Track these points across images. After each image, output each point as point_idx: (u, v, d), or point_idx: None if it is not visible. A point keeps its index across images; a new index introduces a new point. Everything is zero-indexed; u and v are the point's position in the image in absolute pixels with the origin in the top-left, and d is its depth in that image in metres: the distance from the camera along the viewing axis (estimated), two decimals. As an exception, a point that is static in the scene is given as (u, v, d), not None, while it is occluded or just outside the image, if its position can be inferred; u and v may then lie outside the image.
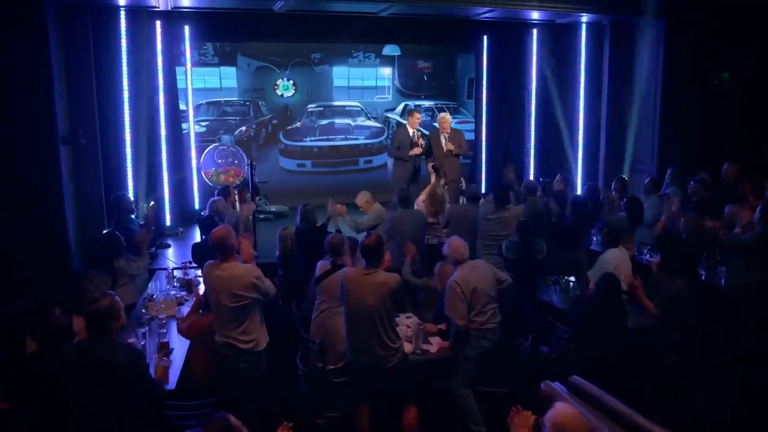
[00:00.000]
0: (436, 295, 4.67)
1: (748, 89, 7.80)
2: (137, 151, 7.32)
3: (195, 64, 8.53)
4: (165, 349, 4.04)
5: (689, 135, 7.77)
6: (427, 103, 10.21)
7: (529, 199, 6.40)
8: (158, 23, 7.60)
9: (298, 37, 8.68)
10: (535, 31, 8.88)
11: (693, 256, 5.26)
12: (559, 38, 8.70)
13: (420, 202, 6.74)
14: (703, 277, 5.37)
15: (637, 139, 8.15)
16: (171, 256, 6.66)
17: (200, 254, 5.29)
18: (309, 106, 9.77)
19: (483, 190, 8.29)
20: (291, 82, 9.57)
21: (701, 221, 5.40)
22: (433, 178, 7.03)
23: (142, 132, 7.39)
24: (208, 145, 8.63)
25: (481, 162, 9.47)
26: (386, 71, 10.04)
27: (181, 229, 7.79)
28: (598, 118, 8.66)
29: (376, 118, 10.12)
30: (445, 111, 8.59)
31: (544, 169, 8.98)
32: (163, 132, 7.75)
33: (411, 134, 7.35)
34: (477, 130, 9.55)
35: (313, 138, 9.77)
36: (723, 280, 5.25)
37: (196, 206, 8.33)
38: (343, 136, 9.90)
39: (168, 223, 7.81)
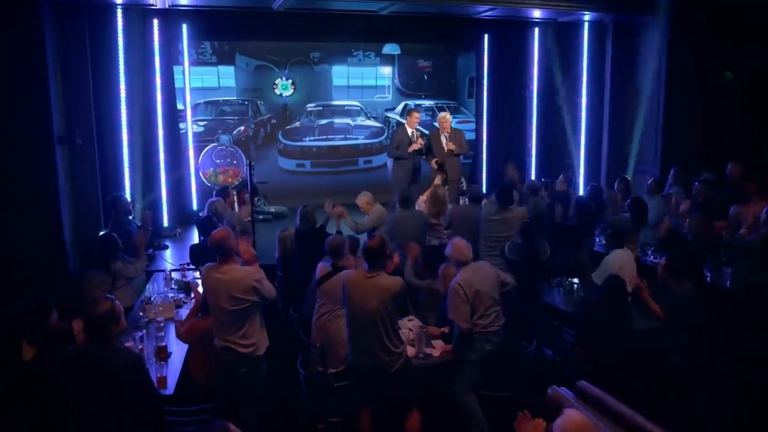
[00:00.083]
0: (439, 297, 4.61)
1: (751, 88, 7.76)
2: (134, 151, 7.28)
3: (193, 63, 8.49)
4: (163, 353, 3.98)
5: (692, 135, 7.74)
6: (427, 103, 10.16)
7: (532, 199, 6.36)
8: (155, 22, 7.56)
9: (297, 36, 8.64)
10: (536, 29, 8.84)
11: (698, 257, 5.21)
12: (561, 37, 8.66)
13: (421, 202, 6.69)
14: (708, 279, 5.32)
15: (640, 139, 8.11)
16: (169, 258, 6.60)
17: (198, 256, 5.26)
18: (308, 105, 9.71)
19: (484, 191, 8.23)
20: (290, 81, 9.51)
21: (706, 222, 5.35)
22: (437, 179, 6.98)
23: (140, 132, 7.34)
24: (206, 145, 8.58)
25: (482, 162, 9.43)
26: (386, 70, 9.98)
27: (179, 230, 7.73)
28: (601, 117, 8.64)
29: (375, 118, 10.07)
30: (445, 110, 8.53)
31: (546, 169, 8.95)
32: (160, 132, 7.70)
33: (410, 134, 7.29)
34: (478, 130, 9.51)
35: (312, 138, 9.71)
36: (728, 282, 5.20)
37: (194, 207, 8.28)
38: (343, 136, 9.84)
39: (165, 224, 7.76)
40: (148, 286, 5.41)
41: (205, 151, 8.42)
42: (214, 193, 6.59)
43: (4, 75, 5.72)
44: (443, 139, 7.36)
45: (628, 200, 5.89)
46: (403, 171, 7.28)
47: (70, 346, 3.32)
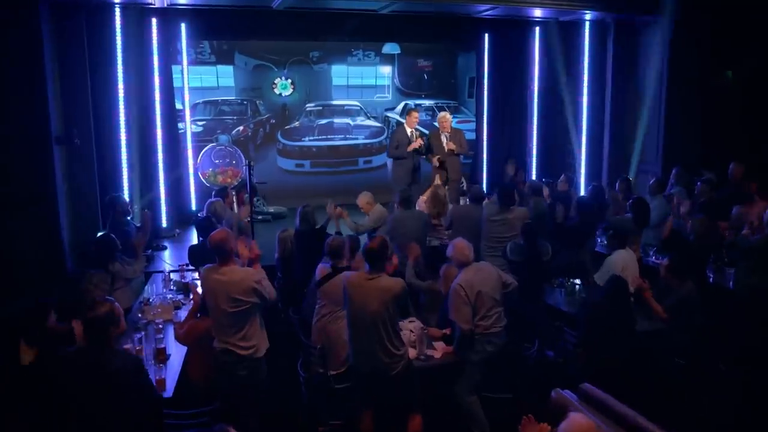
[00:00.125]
0: (440, 298, 4.59)
1: (754, 88, 7.73)
2: (133, 151, 7.22)
3: (191, 62, 8.45)
4: (162, 355, 3.94)
5: (694, 135, 7.72)
6: (427, 102, 10.14)
7: (533, 200, 6.33)
8: (154, 21, 7.50)
9: (296, 35, 8.60)
10: (537, 29, 8.81)
11: (701, 258, 5.19)
12: (562, 36, 8.62)
13: (421, 202, 6.65)
14: (711, 279, 5.29)
15: (642, 139, 8.08)
16: (167, 259, 6.57)
17: (197, 257, 5.22)
18: (307, 105, 9.67)
19: (485, 191, 8.19)
20: (289, 80, 9.48)
21: (709, 222, 5.33)
22: (437, 179, 6.94)
23: (138, 132, 7.30)
24: (205, 145, 8.54)
25: (483, 162, 9.39)
26: (386, 70, 9.96)
27: (177, 230, 7.68)
28: (602, 117, 8.61)
29: (375, 118, 10.04)
30: (445, 110, 8.50)
31: (547, 169, 8.91)
32: (159, 132, 7.65)
33: (409, 134, 7.25)
34: (478, 130, 9.47)
35: (311, 138, 9.67)
36: (731, 282, 5.17)
37: (193, 207, 8.24)
38: (343, 136, 9.80)
39: (164, 224, 7.71)
40: (146, 288, 5.37)
41: (204, 151, 8.38)
42: (213, 193, 6.55)
43: (1, 75, 5.69)
44: (444, 139, 7.32)
45: (630, 200, 5.86)
46: (402, 171, 7.24)
47: (69, 347, 3.28)
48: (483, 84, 9.21)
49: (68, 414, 3.04)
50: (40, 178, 5.95)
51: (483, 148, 9.36)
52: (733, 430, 4.09)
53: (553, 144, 9.09)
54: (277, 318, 4.92)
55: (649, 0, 7.48)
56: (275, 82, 9.43)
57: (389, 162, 7.70)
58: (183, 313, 4.52)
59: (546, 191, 6.70)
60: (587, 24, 8.45)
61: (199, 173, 8.33)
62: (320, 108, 9.76)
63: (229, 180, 8.23)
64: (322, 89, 9.69)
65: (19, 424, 3.12)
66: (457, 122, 9.26)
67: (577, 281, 5.21)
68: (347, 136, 9.81)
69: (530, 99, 9.07)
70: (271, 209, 8.58)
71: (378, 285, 3.68)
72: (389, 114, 10.02)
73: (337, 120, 9.79)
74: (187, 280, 5.31)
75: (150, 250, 6.48)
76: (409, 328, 4.37)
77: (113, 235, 4.99)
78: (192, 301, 4.37)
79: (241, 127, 9.30)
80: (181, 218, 7.97)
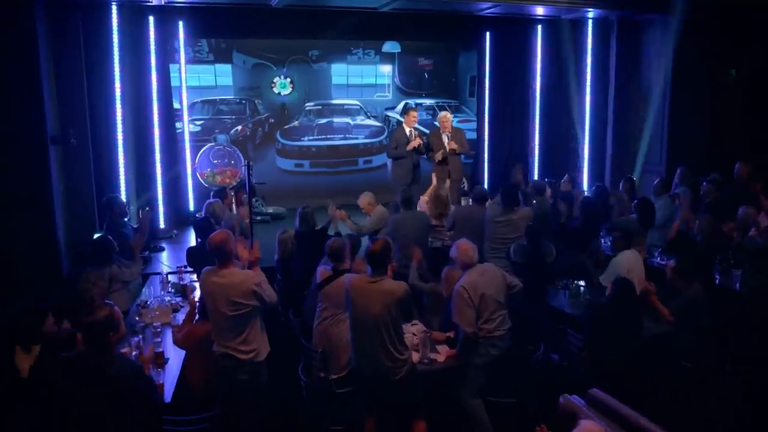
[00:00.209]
0: (443, 301, 4.53)
1: (759, 87, 7.68)
2: (130, 151, 7.17)
3: (189, 61, 8.38)
4: (160, 359, 3.88)
5: (699, 134, 7.67)
6: (428, 102, 10.09)
7: (536, 199, 6.27)
8: (151, 19, 7.44)
9: (295, 34, 8.53)
10: (539, 27, 8.77)
11: (708, 259, 5.13)
12: (565, 35, 8.57)
13: (423, 203, 6.60)
14: (717, 281, 5.23)
15: (646, 139, 8.02)
16: (165, 260, 6.51)
17: (196, 258, 5.16)
18: (307, 104, 9.61)
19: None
20: (288, 79, 9.41)
21: (716, 223, 5.27)
22: (434, 179, 6.88)
23: (135, 131, 7.24)
24: (203, 145, 8.48)
25: (484, 162, 9.34)
26: (386, 69, 9.90)
27: (175, 231, 7.63)
28: (605, 116, 8.58)
29: (375, 117, 9.98)
30: (446, 110, 8.45)
31: (549, 169, 8.87)
32: (156, 131, 7.59)
33: (408, 133, 7.18)
34: (479, 129, 9.41)
35: (311, 137, 9.61)
36: (738, 284, 5.11)
37: (191, 208, 8.18)
38: (342, 136, 9.74)
39: (162, 225, 7.65)
40: (144, 290, 5.30)
41: (202, 151, 8.32)
42: (212, 194, 6.48)
43: (-4, 74, 5.64)
44: (445, 139, 7.26)
45: (635, 201, 5.80)
46: (401, 171, 7.18)
47: (68, 352, 3.21)
48: (484, 83, 9.16)
49: (67, 419, 2.99)
50: (35, 178, 5.89)
51: (484, 147, 9.30)
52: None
53: (555, 144, 9.04)
54: (277, 321, 4.86)
55: (652, -2, 7.46)
56: (274, 81, 9.36)
57: (389, 162, 7.65)
58: (181, 316, 4.46)
59: (548, 191, 6.65)
60: (590, 22, 8.42)
61: (198, 173, 8.26)
62: (320, 107, 9.70)
63: (227, 180, 8.17)
64: (322, 88, 9.63)
65: (20, 424, 3.09)
66: (458, 121, 9.22)
67: (582, 283, 5.16)
68: (347, 135, 9.75)
69: (532, 98, 9.03)
70: (270, 210, 8.51)
71: (380, 288, 3.62)
72: (389, 113, 9.97)
73: (336, 119, 9.73)
74: (185, 282, 5.24)
75: (147, 252, 6.44)
76: (412, 331, 4.32)
77: (110, 237, 4.92)
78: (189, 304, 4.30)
79: (239, 127, 9.23)
80: (179, 219, 7.92)
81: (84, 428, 2.98)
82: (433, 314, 4.73)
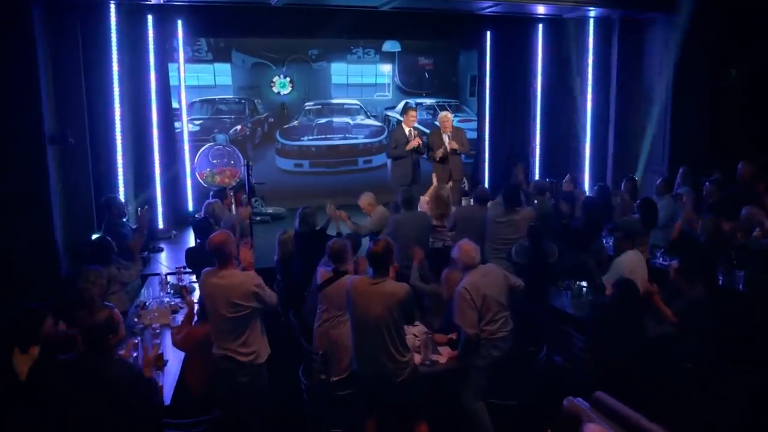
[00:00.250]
0: (445, 302, 4.47)
1: (762, 86, 7.63)
2: (128, 151, 7.13)
3: (188, 60, 8.33)
4: (159, 361, 3.83)
5: (701, 134, 7.64)
6: (428, 101, 10.06)
7: (538, 199, 6.23)
8: (150, 18, 7.40)
9: (295, 33, 8.50)
10: (540, 26, 8.74)
11: (711, 259, 5.09)
12: (566, 34, 8.54)
13: (423, 203, 6.56)
14: (720, 282, 5.19)
15: (648, 138, 7.99)
16: (164, 261, 6.47)
17: (195, 259, 5.12)
18: (306, 104, 9.57)
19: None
20: (288, 79, 9.38)
21: (719, 223, 5.23)
22: (434, 179, 6.84)
23: (134, 131, 7.19)
24: (202, 145, 8.45)
25: (484, 162, 9.31)
26: (386, 68, 9.87)
27: (174, 232, 7.59)
28: (607, 116, 8.55)
29: (375, 117, 9.95)
30: (446, 109, 8.41)
31: (550, 169, 8.84)
32: (155, 131, 7.54)
33: (407, 133, 7.13)
34: (480, 129, 9.38)
35: (310, 137, 9.58)
36: (741, 285, 5.07)
37: (190, 208, 8.15)
38: (342, 135, 9.71)
39: (161, 225, 7.60)
40: (142, 291, 5.26)
41: (201, 150, 8.28)
42: (211, 194, 6.44)
43: (-7, 74, 5.60)
44: (446, 138, 7.22)
45: (638, 201, 5.77)
46: (401, 171, 7.14)
47: (67, 354, 3.17)
48: (485, 82, 9.13)
49: (67, 422, 2.96)
50: (33, 178, 5.85)
51: (485, 147, 9.27)
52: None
53: (556, 143, 9.01)
54: (277, 322, 4.82)
55: (654, -3, 7.43)
56: (274, 80, 9.33)
57: (389, 162, 7.63)
58: (181, 318, 4.41)
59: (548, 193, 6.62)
60: (592, 21, 8.39)
61: (197, 173, 8.23)
62: (319, 107, 9.66)
63: (227, 180, 8.14)
64: (322, 88, 9.59)
65: (19, 425, 3.06)
66: (459, 121, 9.21)
67: (584, 284, 5.12)
68: (347, 135, 9.72)
69: (533, 97, 9.00)
70: (270, 210, 8.48)
71: (382, 290, 3.58)
72: (389, 113, 9.94)
73: (336, 119, 9.70)
74: (184, 283, 5.19)
75: (146, 252, 6.39)
76: (413, 332, 4.27)
77: (109, 238, 4.90)
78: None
79: (238, 127, 9.20)
80: (178, 219, 7.88)
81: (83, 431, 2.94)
82: (434, 315, 4.69)
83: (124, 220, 5.98)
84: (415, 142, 7.01)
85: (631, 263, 4.79)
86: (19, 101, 5.73)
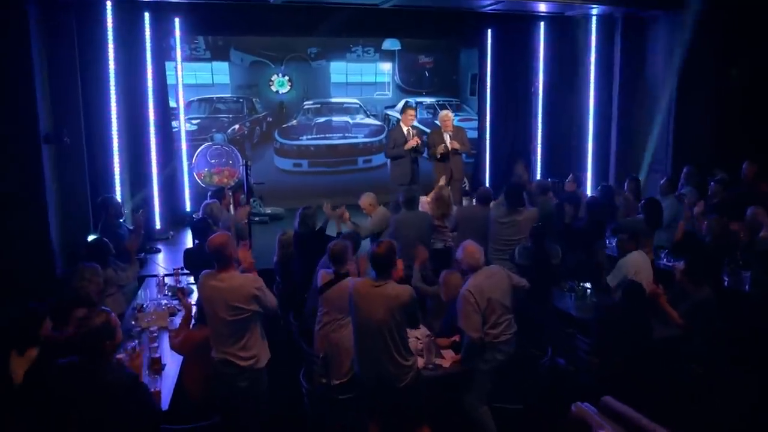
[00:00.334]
0: (446, 304, 4.41)
1: (766, 86, 7.58)
2: (125, 150, 7.05)
3: (186, 58, 8.27)
4: (157, 365, 3.78)
5: (705, 133, 7.59)
6: (428, 100, 10.02)
7: (540, 199, 6.18)
8: (147, 15, 7.31)
9: (294, 31, 8.44)
10: (542, 24, 8.68)
11: (718, 260, 5.04)
12: (568, 32, 8.50)
13: (424, 203, 6.49)
14: (726, 283, 5.14)
15: (651, 138, 7.94)
16: (161, 262, 6.39)
17: (194, 261, 5.05)
18: (305, 103, 9.52)
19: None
20: (286, 77, 9.32)
21: (725, 223, 5.18)
22: (442, 180, 6.79)
23: (130, 130, 7.12)
24: (200, 144, 8.38)
25: (485, 161, 9.25)
26: (386, 66, 9.82)
27: (171, 232, 7.50)
28: (609, 114, 8.51)
29: (375, 116, 9.90)
30: (447, 108, 8.35)
31: (552, 169, 8.78)
32: (152, 130, 7.46)
33: (406, 132, 7.06)
34: (480, 128, 9.32)
35: (309, 136, 9.52)
36: (747, 286, 5.02)
37: (188, 208, 8.08)
38: (341, 135, 9.66)
39: (158, 226, 7.52)
40: (139, 293, 5.20)
41: (199, 150, 8.21)
42: (209, 194, 6.36)
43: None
44: (447, 137, 7.16)
45: (642, 201, 5.71)
46: (399, 171, 7.07)
47: (64, 359, 3.10)
48: (486, 81, 9.06)
49: (63, 429, 2.89)
50: (28, 178, 5.78)
51: (486, 146, 9.21)
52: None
53: (558, 142, 8.96)
54: (276, 324, 4.75)
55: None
56: (272, 79, 9.27)
57: (389, 161, 7.58)
58: (178, 320, 4.33)
59: (551, 193, 6.57)
60: (594, 19, 8.34)
61: (194, 173, 8.15)
62: (318, 106, 9.61)
63: (225, 180, 8.06)
64: (321, 86, 9.54)
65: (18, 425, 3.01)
66: (459, 120, 9.16)
67: (588, 285, 5.07)
68: (346, 134, 9.67)
69: (535, 96, 8.95)
70: (268, 210, 8.42)
71: (384, 292, 3.53)
72: (389, 112, 9.89)
73: (335, 118, 9.64)
74: (182, 284, 5.13)
75: (143, 253, 6.31)
76: (416, 335, 4.21)
77: (106, 239, 4.84)
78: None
79: (237, 126, 9.15)
80: (176, 220, 7.81)
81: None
82: (436, 318, 4.65)
83: (121, 220, 5.92)
84: (413, 142, 6.94)
85: (636, 264, 4.75)
86: (14, 100, 5.66)
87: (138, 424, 2.94)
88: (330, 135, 9.60)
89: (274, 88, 9.31)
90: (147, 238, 6.75)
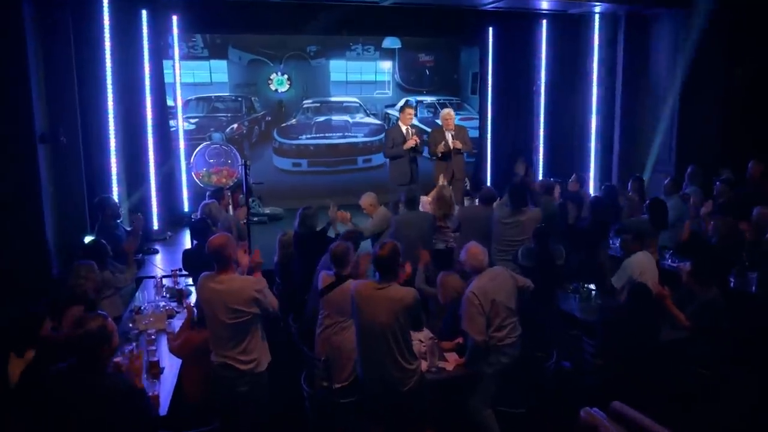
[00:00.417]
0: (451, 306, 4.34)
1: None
2: (122, 150, 7.00)
3: (183, 57, 8.22)
4: (155, 369, 3.70)
5: (710, 132, 7.55)
6: (429, 99, 9.96)
7: (544, 198, 6.12)
8: (144, 13, 7.27)
9: (293, 29, 8.36)
10: (544, 22, 8.64)
11: (725, 261, 4.99)
12: (571, 30, 8.47)
13: (425, 203, 6.42)
14: (732, 284, 5.09)
15: (655, 137, 7.90)
16: (159, 263, 6.32)
17: (193, 262, 4.98)
18: (305, 101, 9.46)
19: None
20: (285, 76, 9.25)
21: (732, 223, 5.13)
22: (441, 179, 6.73)
23: (127, 129, 7.08)
24: (198, 143, 8.33)
25: (486, 161, 9.20)
26: (386, 65, 9.76)
27: (169, 233, 7.45)
28: (612, 114, 8.48)
29: (375, 115, 9.84)
30: (448, 107, 8.28)
31: (554, 169, 8.76)
32: (149, 129, 7.41)
33: (404, 131, 7.00)
34: (482, 127, 9.28)
35: (309, 136, 9.46)
36: (754, 287, 4.97)
37: (186, 209, 8.03)
38: (341, 134, 9.60)
39: (155, 226, 7.46)
40: (137, 295, 5.13)
41: (198, 150, 8.16)
42: (208, 194, 6.30)
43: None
44: (449, 137, 7.10)
45: (647, 201, 5.66)
46: (398, 170, 7.02)
47: (59, 364, 3.03)
48: (487, 80, 9.01)
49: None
50: (23, 177, 5.73)
51: (487, 146, 9.16)
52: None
53: (560, 142, 8.93)
54: (277, 327, 4.68)
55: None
56: (271, 77, 9.21)
57: (388, 161, 7.53)
58: (177, 322, 4.29)
59: (557, 191, 6.51)
60: (597, 17, 8.31)
61: (193, 173, 8.09)
62: (318, 105, 9.55)
63: (224, 180, 8.00)
64: (320, 85, 9.48)
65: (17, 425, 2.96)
66: (460, 119, 9.08)
67: (592, 286, 5.01)
68: (346, 133, 9.61)
69: (536, 95, 8.91)
70: (267, 210, 8.36)
71: (388, 295, 3.47)
72: (389, 111, 9.82)
73: (335, 117, 9.58)
74: (180, 286, 5.07)
75: (141, 254, 6.24)
76: (419, 337, 4.14)
77: (103, 241, 4.78)
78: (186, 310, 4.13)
79: (235, 125, 9.09)
80: (173, 220, 7.77)
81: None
82: (439, 320, 4.57)
83: (118, 221, 5.86)
84: (412, 141, 6.88)
85: (641, 265, 4.69)
86: (10, 99, 5.61)
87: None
88: (329, 134, 9.54)
89: (273, 87, 9.25)
90: (144, 239, 6.68)
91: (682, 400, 3.89)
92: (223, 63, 8.98)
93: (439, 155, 7.06)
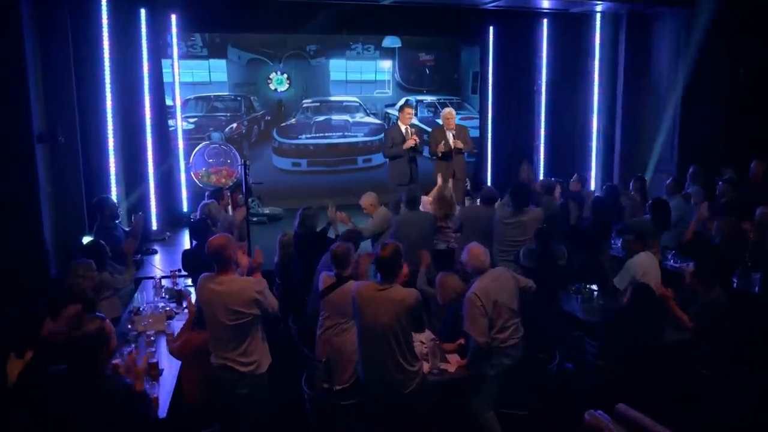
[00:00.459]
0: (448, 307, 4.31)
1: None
2: (120, 150, 6.97)
3: (182, 56, 8.21)
4: (154, 371, 3.66)
5: (712, 132, 7.53)
6: (429, 98, 9.94)
7: (545, 198, 6.09)
8: (143, 12, 7.25)
9: (292, 28, 8.34)
10: (545, 21, 8.63)
11: (729, 261, 4.96)
12: (572, 29, 8.45)
13: (426, 203, 6.39)
14: (735, 285, 5.06)
15: (657, 137, 7.87)
16: (158, 264, 6.29)
17: (192, 262, 4.96)
18: (304, 101, 9.43)
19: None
20: (285, 75, 9.23)
21: (736, 223, 5.10)
22: (439, 179, 6.69)
23: (126, 129, 7.04)
24: (197, 143, 8.31)
25: (487, 160, 9.19)
26: (386, 64, 9.74)
27: (168, 233, 7.42)
28: (613, 113, 8.47)
29: (375, 114, 9.82)
30: (448, 106, 8.25)
31: (555, 168, 8.75)
32: (148, 129, 7.38)
33: (404, 131, 6.96)
34: (482, 127, 9.27)
35: (308, 135, 9.43)
36: (757, 287, 4.93)
37: (185, 209, 8.00)
38: (341, 134, 9.58)
39: (154, 227, 7.43)
40: (136, 295, 5.09)
41: (197, 149, 8.13)
42: (207, 194, 6.27)
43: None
44: (450, 136, 7.06)
45: (649, 201, 5.63)
46: (398, 170, 6.98)
47: (56, 367, 3.00)
48: (487, 79, 9.00)
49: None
50: (21, 177, 5.70)
51: (487, 145, 9.15)
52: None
53: (561, 142, 8.92)
54: (277, 328, 4.66)
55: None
56: (270, 77, 9.18)
57: (388, 161, 7.50)
58: (176, 323, 4.27)
59: (558, 190, 6.49)
60: (598, 16, 8.30)
61: (192, 173, 8.06)
62: (317, 104, 9.53)
63: (223, 180, 7.97)
64: (320, 84, 9.45)
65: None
66: (461, 119, 9.05)
67: (594, 287, 4.98)
68: (346, 133, 9.58)
69: (537, 94, 8.90)
70: (267, 210, 8.33)
71: (390, 296, 3.45)
72: (389, 110, 9.80)
73: (335, 117, 9.56)
74: (179, 287, 5.03)
75: (139, 255, 6.21)
76: (420, 339, 4.11)
77: (102, 241, 4.75)
78: (186, 311, 4.13)
79: (234, 125, 9.06)
80: (172, 220, 7.74)
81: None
82: (440, 320, 4.53)
83: (117, 222, 5.82)
84: (411, 141, 6.85)
85: (644, 265, 4.67)
86: (7, 98, 5.59)
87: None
88: (329, 134, 9.52)
89: (272, 86, 9.23)
90: (143, 239, 6.65)
91: (685, 401, 3.86)
92: (223, 62, 8.96)
93: (440, 155, 7.03)
